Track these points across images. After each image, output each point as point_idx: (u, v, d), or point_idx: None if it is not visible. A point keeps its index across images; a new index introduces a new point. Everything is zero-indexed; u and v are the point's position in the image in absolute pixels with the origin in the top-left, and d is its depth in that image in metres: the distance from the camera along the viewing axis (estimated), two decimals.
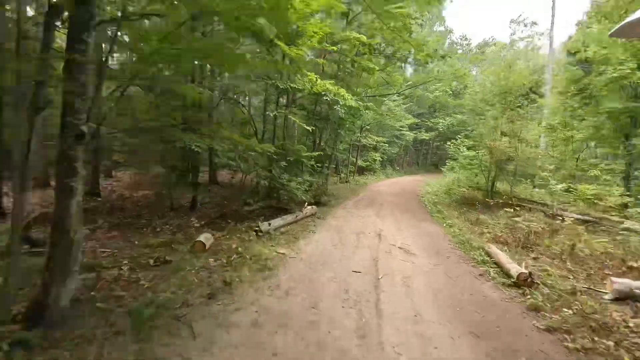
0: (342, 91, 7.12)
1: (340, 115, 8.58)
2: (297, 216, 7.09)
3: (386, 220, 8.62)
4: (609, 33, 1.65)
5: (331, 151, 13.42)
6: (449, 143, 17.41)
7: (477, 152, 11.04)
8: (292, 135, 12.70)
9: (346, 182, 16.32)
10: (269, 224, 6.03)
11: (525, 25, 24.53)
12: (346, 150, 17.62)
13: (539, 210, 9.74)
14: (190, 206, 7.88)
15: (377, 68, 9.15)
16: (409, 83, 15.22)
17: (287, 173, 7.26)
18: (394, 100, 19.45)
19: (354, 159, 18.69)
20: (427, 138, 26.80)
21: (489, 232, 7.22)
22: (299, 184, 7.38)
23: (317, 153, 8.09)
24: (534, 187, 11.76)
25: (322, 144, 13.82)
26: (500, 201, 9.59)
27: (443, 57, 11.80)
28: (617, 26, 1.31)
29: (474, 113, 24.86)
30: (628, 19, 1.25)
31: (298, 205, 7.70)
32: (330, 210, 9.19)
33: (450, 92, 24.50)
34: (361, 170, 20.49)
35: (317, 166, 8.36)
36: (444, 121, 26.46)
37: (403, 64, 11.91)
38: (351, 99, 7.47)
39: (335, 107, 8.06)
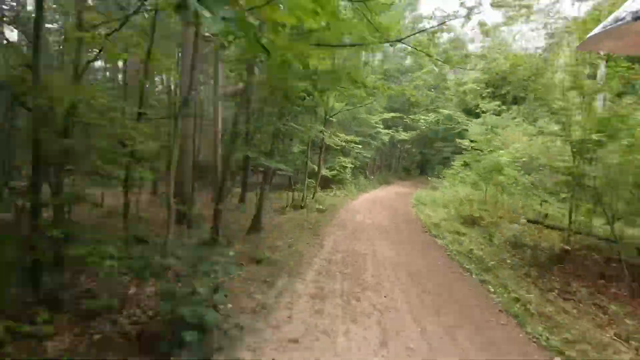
0: None
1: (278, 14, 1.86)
2: None
3: None
4: (577, 46, 1.89)
5: (272, 145, 6.77)
6: (459, 141, 11.87)
7: (579, 159, 5.07)
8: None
9: (302, 207, 9.69)
10: None
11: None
12: (303, 154, 11.01)
13: None
14: None
15: None
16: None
17: None
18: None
19: (315, 167, 12.09)
20: (406, 138, 21.19)
21: None
22: None
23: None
24: None
25: (254, 137, 7.08)
26: None
27: None
28: (584, 40, 1.23)
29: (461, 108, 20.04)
30: (592, 33, 1.16)
31: None
32: None
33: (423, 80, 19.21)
34: (326, 183, 13.93)
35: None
36: (426, 117, 21.11)
37: None
38: None
39: None
